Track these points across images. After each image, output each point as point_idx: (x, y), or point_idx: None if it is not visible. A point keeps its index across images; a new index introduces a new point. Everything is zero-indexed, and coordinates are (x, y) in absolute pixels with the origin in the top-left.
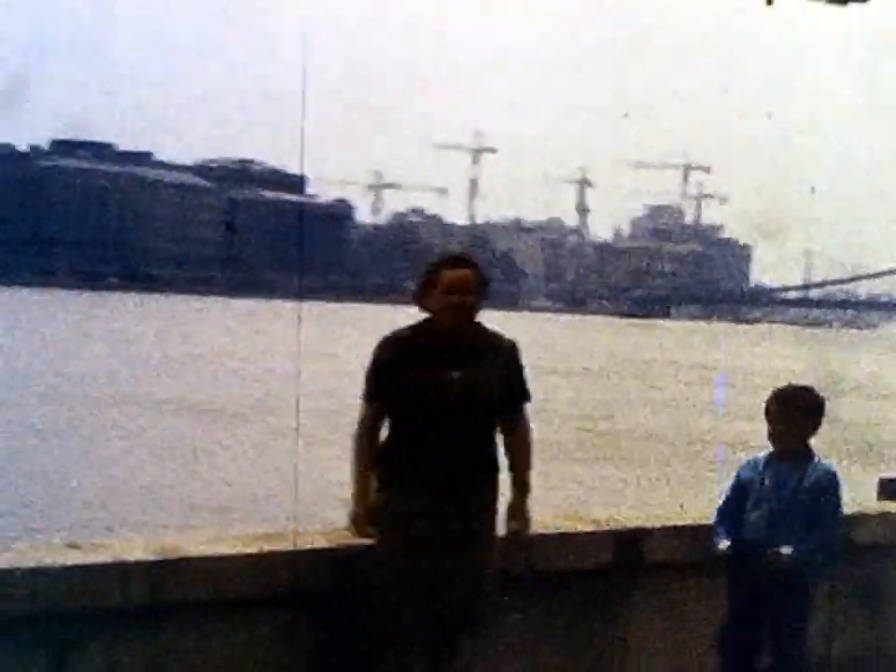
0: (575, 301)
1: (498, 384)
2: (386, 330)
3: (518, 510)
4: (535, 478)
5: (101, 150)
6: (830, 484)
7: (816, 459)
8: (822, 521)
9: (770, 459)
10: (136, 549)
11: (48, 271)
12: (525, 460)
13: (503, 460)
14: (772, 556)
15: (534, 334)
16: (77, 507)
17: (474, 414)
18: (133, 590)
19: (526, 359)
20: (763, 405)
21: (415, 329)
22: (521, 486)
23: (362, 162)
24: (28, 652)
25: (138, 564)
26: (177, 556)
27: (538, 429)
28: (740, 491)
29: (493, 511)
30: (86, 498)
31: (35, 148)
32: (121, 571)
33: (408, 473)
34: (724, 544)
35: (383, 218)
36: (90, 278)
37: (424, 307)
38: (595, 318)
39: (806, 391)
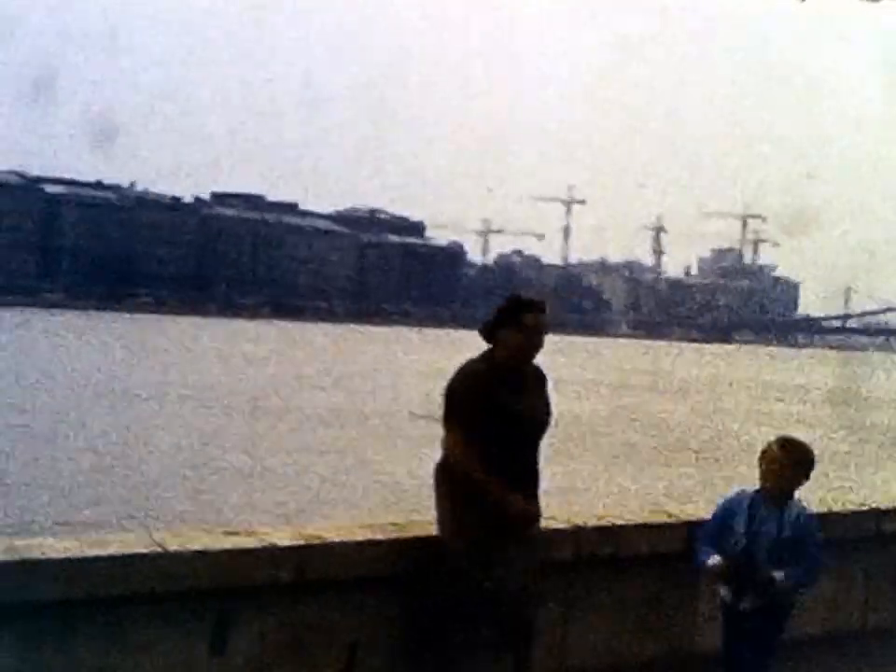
0: (651, 329)
1: (547, 408)
2: None
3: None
4: (628, 478)
5: (254, 201)
6: (810, 523)
7: (796, 500)
8: (806, 553)
9: (756, 497)
10: (284, 535)
11: (208, 301)
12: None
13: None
14: (766, 575)
15: (618, 356)
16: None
17: (533, 435)
18: (282, 570)
19: (612, 377)
20: (763, 449)
21: (486, 362)
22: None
23: (473, 211)
24: (194, 622)
25: (286, 548)
26: (315, 542)
27: (625, 438)
28: (724, 519)
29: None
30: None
31: (198, 199)
32: (271, 554)
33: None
34: (715, 559)
35: (490, 259)
36: (243, 309)
37: (493, 340)
38: (669, 343)
39: (805, 446)
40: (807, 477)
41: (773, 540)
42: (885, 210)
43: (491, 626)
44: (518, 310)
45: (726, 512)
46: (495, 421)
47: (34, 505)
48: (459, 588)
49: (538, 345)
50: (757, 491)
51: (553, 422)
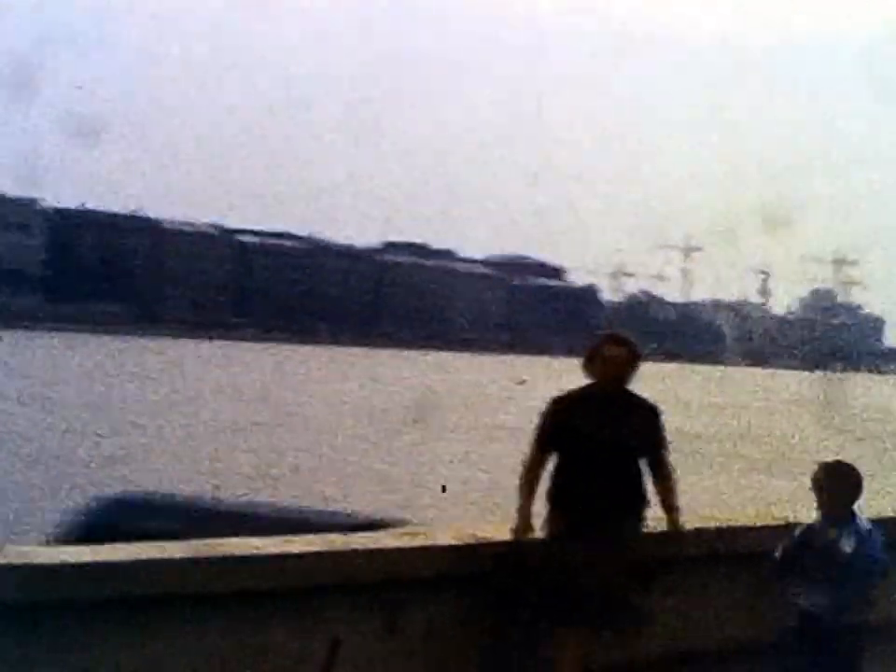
0: (760, 359)
1: (637, 437)
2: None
3: (668, 521)
4: (732, 486)
5: (419, 249)
6: (872, 540)
7: (858, 519)
8: (869, 572)
9: (820, 525)
10: (446, 535)
11: (386, 333)
12: (664, 492)
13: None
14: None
15: (735, 383)
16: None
17: (619, 459)
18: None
19: (726, 400)
20: (811, 479)
21: (579, 391)
22: (666, 507)
23: (606, 256)
24: (367, 612)
25: (446, 546)
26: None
27: (736, 449)
28: (796, 551)
29: (636, 529)
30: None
31: (371, 248)
32: (429, 551)
33: (571, 500)
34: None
35: (620, 298)
36: (413, 342)
37: (588, 373)
38: (775, 371)
39: (851, 467)
40: (858, 496)
41: (838, 572)
42: None
43: (568, 619)
44: (602, 344)
45: (795, 546)
46: (567, 441)
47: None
48: (539, 584)
49: (618, 374)
50: (820, 520)
51: (668, 440)
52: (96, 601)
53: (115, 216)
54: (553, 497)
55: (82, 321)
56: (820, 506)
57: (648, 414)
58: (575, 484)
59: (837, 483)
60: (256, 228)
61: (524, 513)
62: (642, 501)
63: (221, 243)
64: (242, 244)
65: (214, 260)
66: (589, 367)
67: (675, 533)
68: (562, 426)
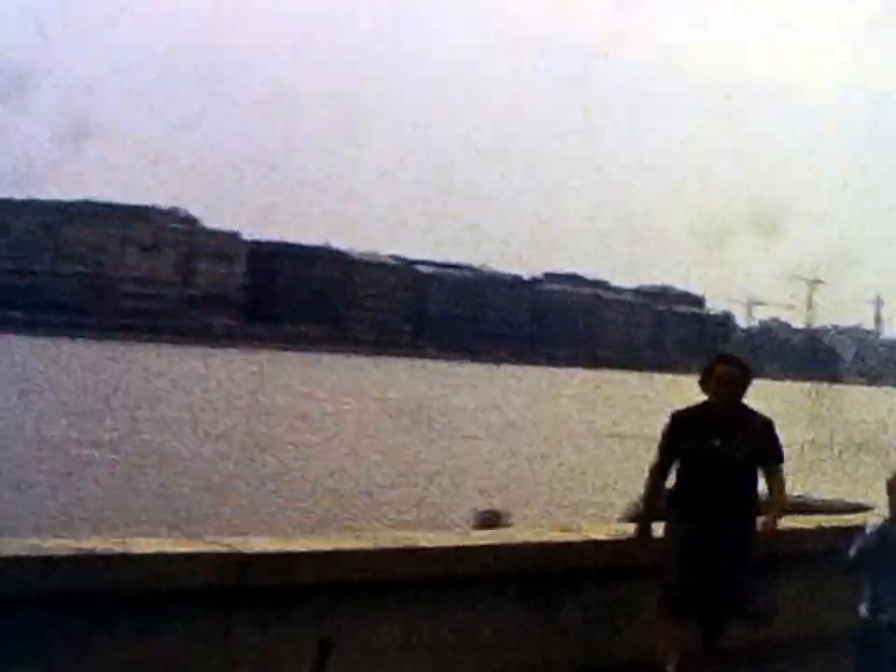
0: (874, 378)
1: (750, 449)
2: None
3: (769, 517)
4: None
5: (576, 279)
6: None
7: None
8: None
9: (891, 526)
10: (601, 531)
11: (538, 356)
12: (775, 497)
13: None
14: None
15: (851, 400)
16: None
17: (732, 469)
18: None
19: (849, 415)
20: (887, 483)
21: (697, 407)
22: (774, 508)
23: (740, 286)
24: (531, 597)
25: (602, 541)
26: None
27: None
28: (873, 549)
29: (747, 533)
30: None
31: (535, 278)
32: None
33: (688, 505)
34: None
35: (753, 324)
36: (569, 361)
37: (703, 390)
38: (890, 389)
39: None
40: None
41: None
42: None
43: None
44: (715, 364)
45: (865, 550)
46: (684, 451)
47: None
48: (664, 582)
49: (730, 391)
50: (888, 525)
51: (781, 450)
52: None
53: (308, 248)
54: (673, 501)
55: (277, 339)
56: (893, 509)
57: (761, 427)
58: (690, 490)
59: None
60: (432, 259)
61: (646, 515)
62: (753, 506)
63: (402, 272)
64: (420, 273)
65: (395, 288)
66: (704, 384)
67: (775, 531)
68: (680, 437)
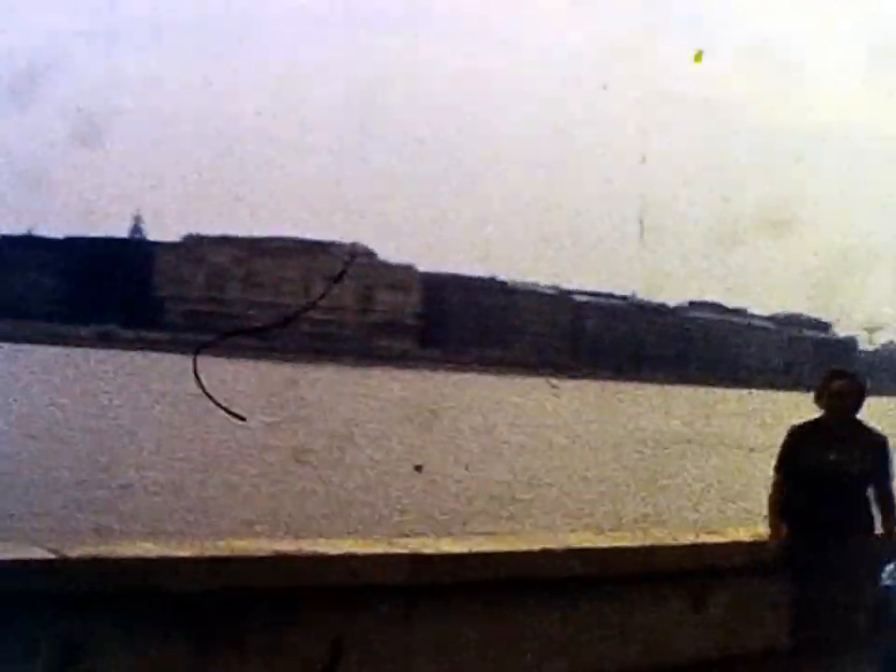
0: None
1: (862, 464)
2: None
3: (885, 528)
4: None
5: (717, 307)
6: None
7: None
8: None
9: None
10: (747, 533)
11: (692, 376)
12: (885, 513)
13: None
14: None
15: None
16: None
17: (844, 482)
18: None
19: None
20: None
21: (812, 422)
22: (886, 523)
23: (861, 312)
24: (674, 595)
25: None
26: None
27: None
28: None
29: (868, 546)
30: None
31: (679, 306)
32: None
33: (804, 518)
34: None
35: (875, 347)
36: (713, 382)
37: (818, 406)
38: None
39: None
40: None
41: None
42: None
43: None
44: (829, 379)
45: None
46: (799, 465)
47: None
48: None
49: (844, 406)
50: None
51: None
52: None
53: (475, 279)
54: (787, 514)
55: (447, 361)
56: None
57: (874, 442)
58: (804, 503)
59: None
60: (587, 289)
61: (771, 526)
62: (868, 520)
63: (560, 301)
64: (576, 302)
65: (554, 315)
66: (819, 400)
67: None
68: (796, 451)
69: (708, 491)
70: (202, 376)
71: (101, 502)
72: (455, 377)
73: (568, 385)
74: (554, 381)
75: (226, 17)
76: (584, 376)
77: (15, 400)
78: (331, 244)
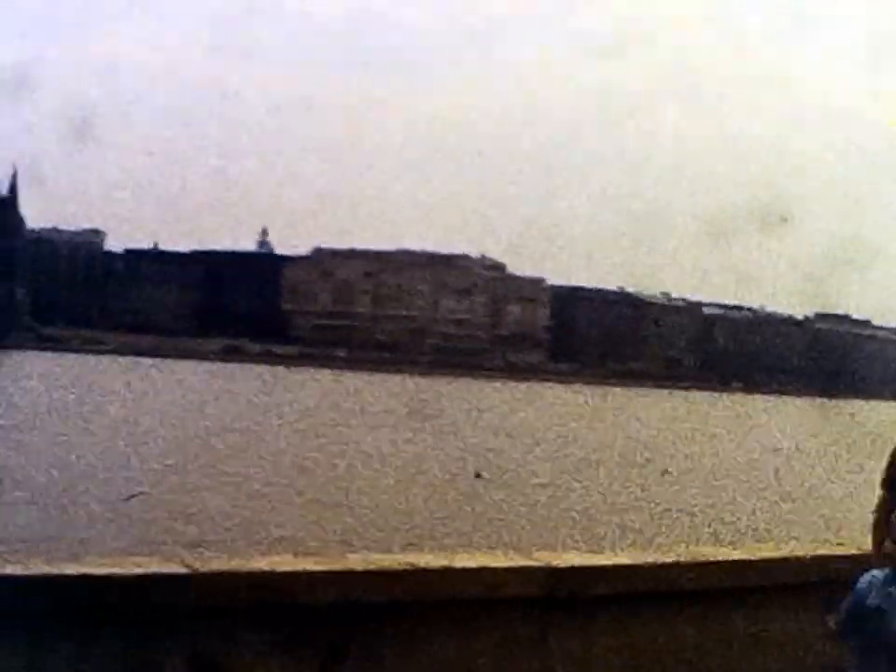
0: None
1: None
2: None
3: None
4: None
5: (843, 318)
6: None
7: None
8: None
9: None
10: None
11: (822, 388)
12: None
13: None
14: None
15: None
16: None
17: None
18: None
19: None
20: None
21: None
22: None
23: None
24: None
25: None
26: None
27: None
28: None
29: None
30: None
31: (807, 317)
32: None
33: None
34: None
35: None
36: (838, 392)
37: None
38: None
39: None
40: None
41: None
42: None
43: None
44: None
45: (861, 611)
46: None
47: None
48: None
49: None
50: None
51: None
52: None
53: (605, 291)
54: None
55: (577, 375)
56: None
57: None
58: None
59: None
60: (717, 302)
61: (874, 545)
62: None
63: (689, 314)
64: (706, 314)
65: (684, 328)
66: None
67: None
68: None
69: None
70: (342, 390)
71: (236, 511)
72: (585, 390)
73: (700, 396)
74: (684, 394)
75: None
76: (714, 388)
77: (159, 413)
78: (460, 256)
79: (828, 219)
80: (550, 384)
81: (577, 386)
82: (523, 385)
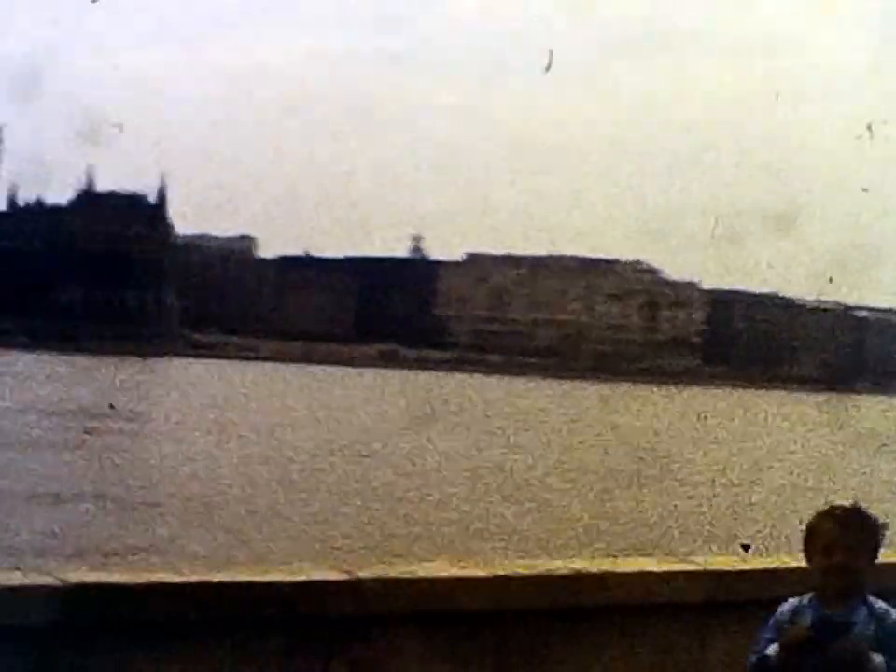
0: None
1: None
2: None
3: None
4: None
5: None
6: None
7: (871, 600)
8: None
9: (817, 603)
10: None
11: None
12: None
13: None
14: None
15: None
16: None
17: None
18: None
19: None
20: (806, 529)
21: None
22: None
23: None
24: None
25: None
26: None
27: None
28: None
29: None
30: None
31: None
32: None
33: None
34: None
35: None
36: None
37: None
38: None
39: (864, 513)
40: (875, 557)
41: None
42: None
43: None
44: None
45: (774, 633)
46: None
47: None
48: None
49: None
50: (817, 597)
51: None
52: None
53: (758, 295)
54: None
55: (732, 379)
56: (825, 573)
57: None
58: None
59: (854, 539)
60: (871, 305)
61: None
62: None
63: (842, 317)
64: (859, 318)
65: (836, 331)
66: None
67: None
68: None
69: None
70: (501, 395)
71: (396, 519)
72: (740, 394)
73: (855, 399)
74: (839, 397)
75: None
76: (868, 391)
77: (313, 420)
78: (614, 261)
79: None
80: (704, 387)
81: (729, 390)
82: (678, 389)
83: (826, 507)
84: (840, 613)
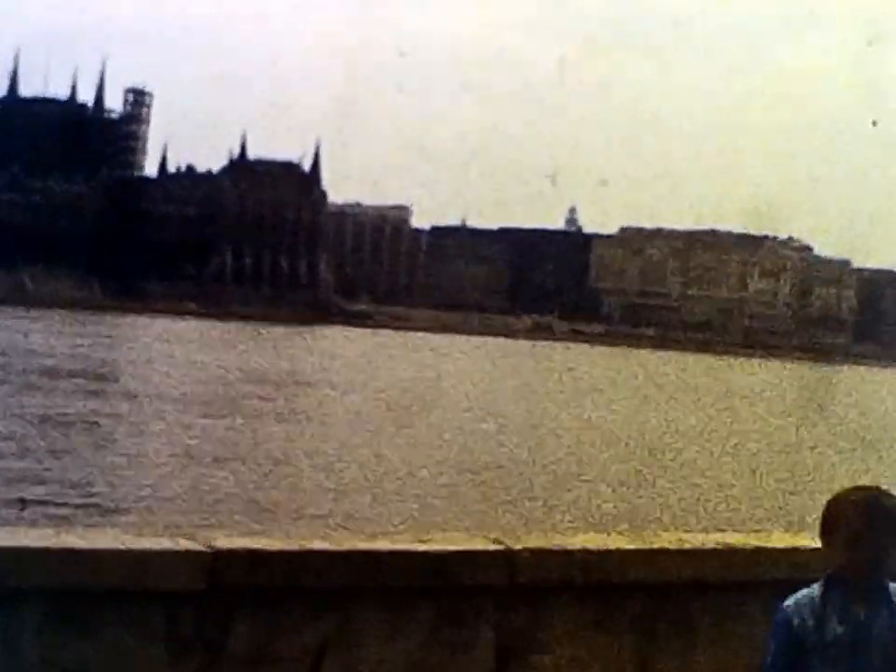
0: None
1: None
2: None
3: None
4: None
5: None
6: None
7: (892, 587)
8: None
9: (832, 596)
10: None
11: None
12: None
13: None
14: None
15: None
16: None
17: None
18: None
19: None
20: (825, 515)
21: None
22: None
23: None
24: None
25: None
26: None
27: None
28: (794, 645)
29: None
30: None
31: None
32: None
33: None
34: None
35: None
36: None
37: None
38: None
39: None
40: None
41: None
42: None
43: None
44: None
45: (791, 635)
46: None
47: None
48: None
49: None
50: (830, 589)
51: None
52: None
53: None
54: None
55: (882, 357)
56: (852, 563)
57: None
58: None
59: (888, 527)
60: None
61: None
62: None
63: None
64: None
65: None
66: None
67: None
68: None
69: None
70: (654, 368)
71: (558, 492)
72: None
73: None
74: None
75: None
76: None
77: (466, 391)
78: (767, 237)
79: None
80: (854, 365)
81: (879, 369)
82: (830, 367)
83: (850, 489)
84: (865, 614)
